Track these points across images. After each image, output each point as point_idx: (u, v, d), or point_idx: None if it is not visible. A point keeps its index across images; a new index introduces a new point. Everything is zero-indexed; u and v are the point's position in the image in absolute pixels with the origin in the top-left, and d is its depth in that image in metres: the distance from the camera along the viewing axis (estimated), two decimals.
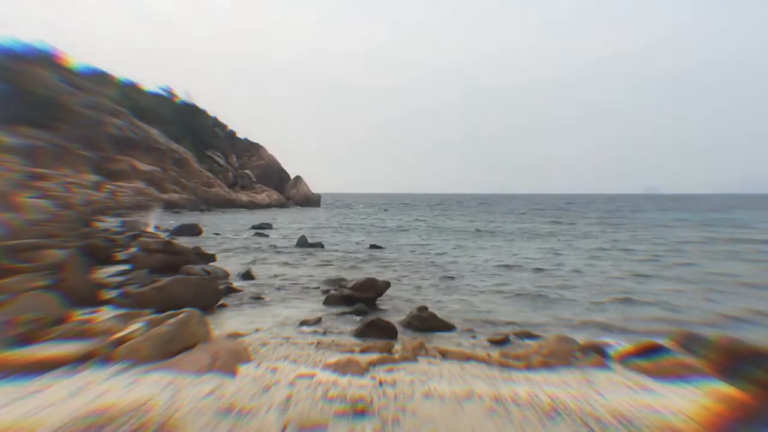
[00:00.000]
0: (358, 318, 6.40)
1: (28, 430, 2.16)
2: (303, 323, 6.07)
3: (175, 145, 46.93)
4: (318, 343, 4.88)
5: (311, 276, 9.96)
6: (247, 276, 9.48)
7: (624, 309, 7.20)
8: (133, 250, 10.80)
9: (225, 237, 18.77)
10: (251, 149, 62.08)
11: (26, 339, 3.64)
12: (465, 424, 2.43)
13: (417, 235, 21.12)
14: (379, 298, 7.47)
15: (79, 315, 5.09)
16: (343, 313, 6.70)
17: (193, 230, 18.75)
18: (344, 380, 3.12)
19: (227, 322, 6.09)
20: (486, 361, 4.15)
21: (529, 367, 3.89)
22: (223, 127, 62.61)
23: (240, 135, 63.85)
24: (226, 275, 9.27)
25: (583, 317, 6.68)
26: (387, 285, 7.68)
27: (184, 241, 13.31)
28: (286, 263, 11.89)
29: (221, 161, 55.73)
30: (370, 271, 10.57)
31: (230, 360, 3.36)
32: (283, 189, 57.92)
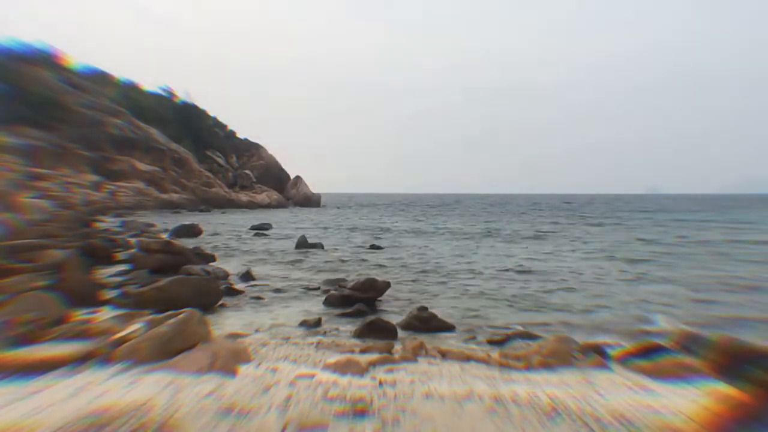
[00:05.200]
0: (358, 318, 6.40)
1: (28, 430, 2.16)
2: (303, 323, 6.07)
3: (175, 145, 46.90)
4: (318, 344, 4.88)
5: (311, 276, 9.96)
6: (247, 276, 9.48)
7: (624, 309, 7.20)
8: (133, 250, 10.80)
9: (225, 237, 18.77)
10: (251, 149, 62.05)
11: (26, 339, 3.64)
12: (465, 424, 2.43)
13: (417, 235, 21.12)
14: (379, 299, 7.47)
15: (79, 315, 5.09)
16: (343, 314, 6.69)
17: (193, 230, 18.74)
18: (344, 380, 3.12)
19: (227, 322, 6.09)
20: (486, 362, 4.15)
21: (529, 367, 3.89)
22: (223, 127, 62.57)
23: (240, 135, 63.88)
24: (226, 275, 9.27)
25: (583, 317, 6.69)
26: (387, 285, 7.68)
27: (184, 241, 13.31)
28: (286, 263, 11.89)
29: (221, 161, 55.72)
30: (370, 271, 10.57)
31: (230, 360, 3.36)
32: (283, 189, 57.89)
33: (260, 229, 21.47)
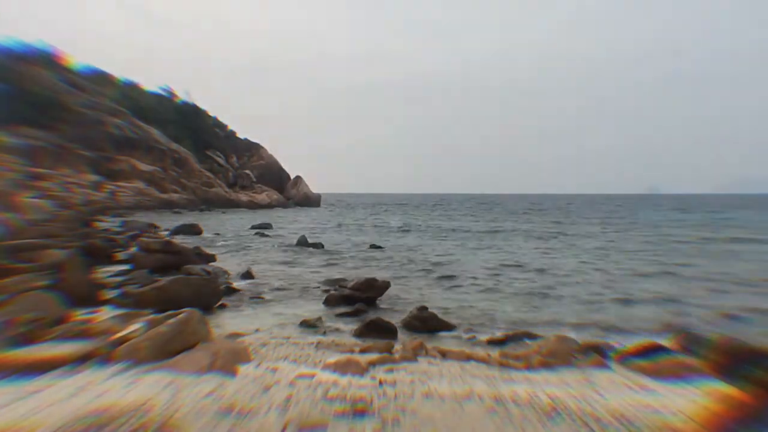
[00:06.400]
0: (358, 318, 6.40)
1: (28, 430, 2.16)
2: (303, 323, 6.07)
3: (175, 145, 46.89)
4: (318, 343, 4.88)
5: (311, 276, 9.95)
6: (247, 276, 9.48)
7: (624, 309, 7.20)
8: (133, 250, 10.80)
9: (225, 237, 18.77)
10: (251, 149, 62.06)
11: (26, 339, 3.64)
12: (465, 424, 2.43)
13: (417, 235, 21.12)
14: (379, 298, 7.47)
15: (79, 315, 5.09)
16: (343, 313, 6.69)
17: (193, 230, 18.75)
18: (344, 380, 3.12)
19: (227, 322, 6.09)
20: (486, 361, 4.15)
21: (529, 367, 3.89)
22: (223, 127, 62.58)
23: (240, 135, 63.88)
24: (226, 275, 9.27)
25: (583, 317, 6.68)
26: (387, 285, 7.68)
27: (184, 241, 13.31)
28: (286, 263, 11.89)
29: (221, 161, 55.72)
30: (370, 271, 10.57)
31: (230, 360, 3.36)
32: (283, 189, 57.90)
33: (260, 229, 21.47)
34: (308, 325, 6.01)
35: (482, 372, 3.62)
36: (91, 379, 2.88)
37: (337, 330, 5.83)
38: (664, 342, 4.34)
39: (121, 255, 10.88)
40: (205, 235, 18.76)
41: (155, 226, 20.14)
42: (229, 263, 11.17)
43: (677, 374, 3.34)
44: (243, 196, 50.27)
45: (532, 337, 5.55)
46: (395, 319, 6.08)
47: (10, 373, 2.91)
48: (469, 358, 4.26)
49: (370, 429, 2.33)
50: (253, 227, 22.51)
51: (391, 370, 3.54)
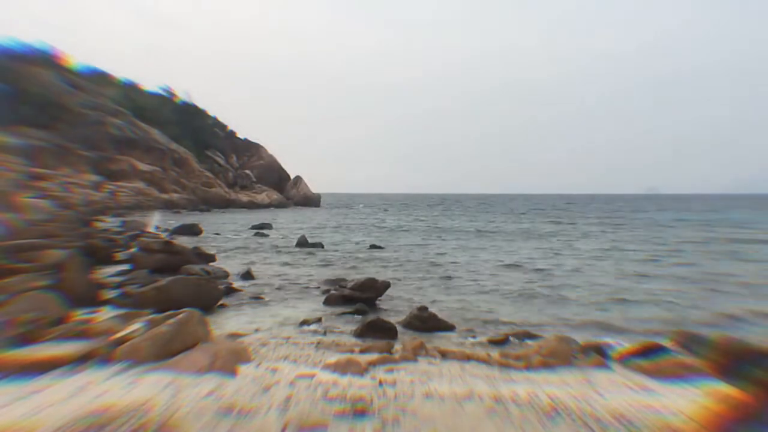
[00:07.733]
0: (358, 318, 6.40)
1: (28, 430, 2.16)
2: (303, 323, 6.07)
3: (175, 145, 46.90)
4: (318, 343, 4.89)
5: (311, 276, 9.95)
6: (247, 276, 9.48)
7: (624, 309, 7.20)
8: (133, 250, 10.79)
9: (225, 237, 18.77)
10: (251, 149, 62.07)
11: (26, 339, 3.64)
12: (465, 424, 2.43)
13: (417, 235, 21.12)
14: (379, 298, 7.47)
15: (79, 315, 5.09)
16: (344, 314, 6.69)
17: (193, 230, 18.75)
18: (344, 380, 3.12)
19: (227, 322, 6.09)
20: (486, 361, 4.15)
21: (529, 367, 3.89)
22: (223, 127, 62.59)
23: (240, 135, 63.89)
24: (226, 275, 9.27)
25: (583, 317, 6.68)
26: (387, 285, 7.68)
27: (184, 241, 13.31)
28: (286, 263, 11.89)
29: (221, 161, 55.72)
30: (370, 271, 10.57)
31: (230, 360, 3.36)
32: (283, 189, 57.89)
33: (260, 229, 21.47)
34: (308, 325, 6.01)
35: (482, 372, 3.62)
36: (91, 379, 2.88)
37: (338, 330, 5.83)
38: (664, 342, 4.34)
39: (121, 255, 10.88)
40: (205, 235, 18.75)
41: (155, 226, 20.13)
42: (229, 263, 11.17)
43: (677, 374, 3.34)
44: (243, 196, 50.26)
45: (532, 337, 5.55)
46: (395, 319, 6.08)
47: (10, 373, 2.91)
48: (469, 358, 4.26)
49: (370, 429, 2.33)
50: (252, 227, 22.50)
51: (391, 370, 3.54)
